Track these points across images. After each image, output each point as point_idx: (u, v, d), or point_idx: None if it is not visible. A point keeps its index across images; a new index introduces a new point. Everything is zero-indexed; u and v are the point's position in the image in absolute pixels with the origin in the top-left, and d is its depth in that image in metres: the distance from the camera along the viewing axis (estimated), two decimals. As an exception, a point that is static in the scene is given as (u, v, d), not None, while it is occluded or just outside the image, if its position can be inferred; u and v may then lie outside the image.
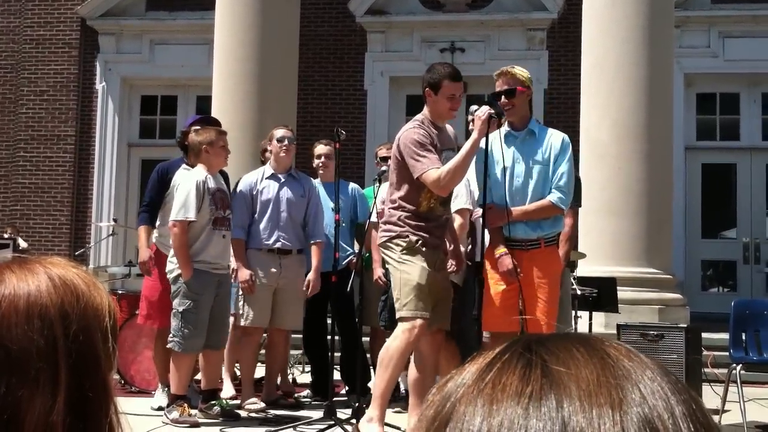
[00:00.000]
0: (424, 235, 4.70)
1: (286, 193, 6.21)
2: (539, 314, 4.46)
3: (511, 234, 4.64)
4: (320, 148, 6.70)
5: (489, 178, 4.69)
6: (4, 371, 0.91)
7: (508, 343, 0.58)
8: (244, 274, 5.99)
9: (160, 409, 5.75)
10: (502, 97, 4.66)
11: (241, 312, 6.06)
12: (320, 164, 6.67)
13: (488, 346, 0.59)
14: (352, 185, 6.81)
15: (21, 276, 0.95)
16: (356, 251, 6.16)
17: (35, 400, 0.90)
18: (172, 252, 5.68)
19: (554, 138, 4.72)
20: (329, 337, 5.70)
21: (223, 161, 5.81)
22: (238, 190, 6.21)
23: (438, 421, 0.56)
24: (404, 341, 4.59)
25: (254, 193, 6.19)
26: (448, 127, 5.09)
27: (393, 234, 4.74)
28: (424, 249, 4.69)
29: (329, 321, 6.06)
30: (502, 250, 4.62)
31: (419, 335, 4.61)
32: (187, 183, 5.62)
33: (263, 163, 6.65)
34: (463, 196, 5.45)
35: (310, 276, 6.17)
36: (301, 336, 6.76)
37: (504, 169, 4.64)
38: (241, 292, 6.05)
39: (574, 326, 6.13)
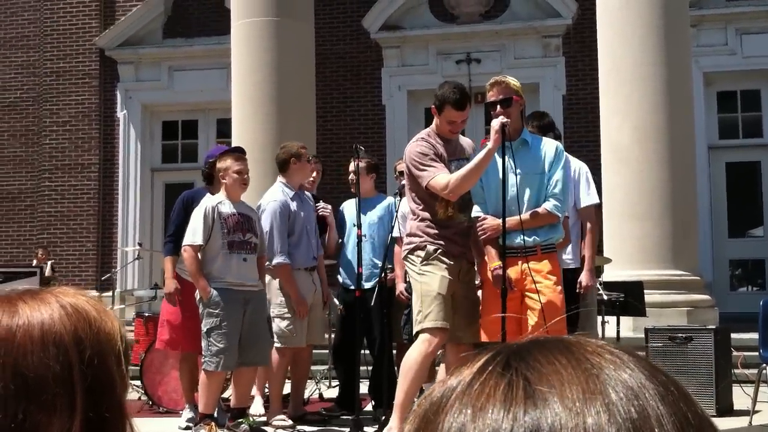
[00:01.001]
0: (443, 243, 4.71)
1: (308, 210, 6.30)
2: (530, 323, 4.41)
3: (507, 242, 4.60)
4: (352, 165, 6.62)
5: (484, 189, 4.71)
6: (22, 398, 0.92)
7: (486, 359, 0.57)
8: (303, 303, 6.02)
9: (187, 428, 5.78)
10: (498, 106, 4.66)
11: (294, 334, 6.04)
12: (352, 180, 6.60)
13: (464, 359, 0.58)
14: (390, 199, 6.67)
15: (34, 306, 0.97)
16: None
17: (53, 424, 0.92)
18: None
19: (548, 146, 4.75)
20: (363, 351, 5.68)
21: (239, 188, 5.75)
22: (276, 215, 6.08)
23: None
24: (422, 353, 4.60)
25: (291, 216, 6.16)
26: (465, 140, 5.10)
27: (412, 246, 4.78)
28: (444, 258, 4.69)
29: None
30: (496, 263, 4.57)
31: (438, 346, 4.62)
32: (199, 209, 5.69)
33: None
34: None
35: (322, 288, 6.25)
36: (325, 351, 6.76)
37: (499, 179, 4.61)
38: (276, 312, 6.03)
39: (601, 332, 6.08)
